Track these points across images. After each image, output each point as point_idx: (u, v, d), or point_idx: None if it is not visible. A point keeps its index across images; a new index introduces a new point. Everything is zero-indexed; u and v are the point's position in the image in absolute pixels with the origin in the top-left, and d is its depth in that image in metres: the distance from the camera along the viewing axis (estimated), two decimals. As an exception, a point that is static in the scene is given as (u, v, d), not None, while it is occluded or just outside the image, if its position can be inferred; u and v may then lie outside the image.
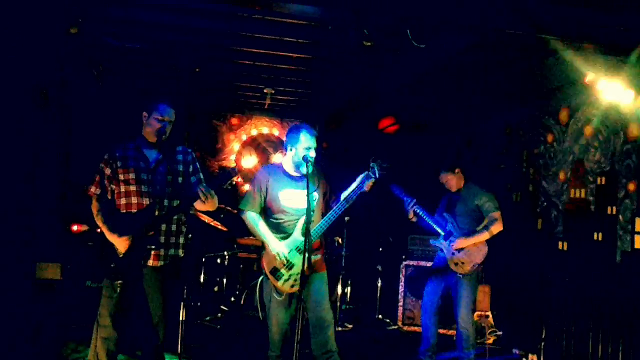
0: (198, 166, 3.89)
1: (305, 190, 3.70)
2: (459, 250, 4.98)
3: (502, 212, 5.09)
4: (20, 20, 4.71)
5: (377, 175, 3.87)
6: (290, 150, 3.92)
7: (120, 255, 3.55)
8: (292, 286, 3.78)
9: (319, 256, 3.84)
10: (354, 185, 3.89)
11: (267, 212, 3.95)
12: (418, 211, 4.98)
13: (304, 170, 3.81)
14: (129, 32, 5.27)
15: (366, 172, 3.88)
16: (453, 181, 5.20)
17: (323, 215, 3.91)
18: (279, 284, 3.80)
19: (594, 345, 5.02)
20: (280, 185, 3.89)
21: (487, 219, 5.03)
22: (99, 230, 3.72)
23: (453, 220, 5.08)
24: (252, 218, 3.91)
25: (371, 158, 3.94)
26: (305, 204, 3.68)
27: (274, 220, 3.91)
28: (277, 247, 3.79)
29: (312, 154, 3.84)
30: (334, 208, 3.85)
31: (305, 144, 3.85)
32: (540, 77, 5.47)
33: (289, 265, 3.77)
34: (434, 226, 5.10)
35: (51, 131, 6.29)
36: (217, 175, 3.65)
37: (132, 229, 3.58)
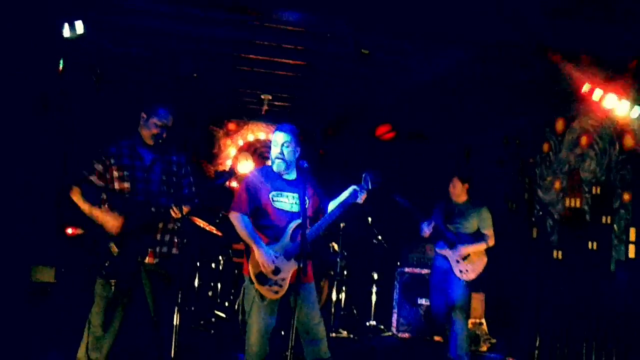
0: (190, 170, 3.91)
1: (295, 193, 3.69)
2: (464, 258, 5.15)
3: (498, 221, 5.27)
4: (20, 26, 4.72)
5: (369, 187, 3.79)
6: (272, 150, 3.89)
7: (115, 254, 3.55)
8: (276, 292, 3.71)
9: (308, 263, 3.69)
10: (341, 198, 3.81)
11: (256, 215, 3.83)
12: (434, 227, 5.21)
13: (291, 172, 3.80)
14: (128, 38, 5.29)
15: (355, 186, 3.77)
16: (458, 190, 5.34)
17: (311, 221, 3.82)
18: (264, 289, 3.73)
19: (588, 354, 5.03)
20: (271, 187, 3.80)
21: (483, 233, 5.23)
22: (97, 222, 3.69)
23: (456, 230, 5.23)
24: (240, 220, 3.77)
25: (366, 170, 3.85)
26: (296, 207, 3.67)
27: (267, 224, 3.81)
28: (265, 251, 3.68)
29: (279, 149, 3.77)
30: (319, 221, 3.78)
31: (274, 140, 3.81)
32: (537, 88, 5.51)
33: (275, 271, 3.70)
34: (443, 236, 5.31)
35: (49, 136, 6.29)
36: (215, 176, 3.65)
37: (128, 213, 3.57)
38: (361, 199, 3.77)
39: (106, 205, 3.67)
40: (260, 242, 3.74)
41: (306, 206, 3.78)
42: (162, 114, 3.77)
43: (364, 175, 3.82)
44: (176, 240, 3.80)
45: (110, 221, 3.57)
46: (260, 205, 3.81)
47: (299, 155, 3.84)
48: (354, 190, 3.77)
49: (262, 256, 3.69)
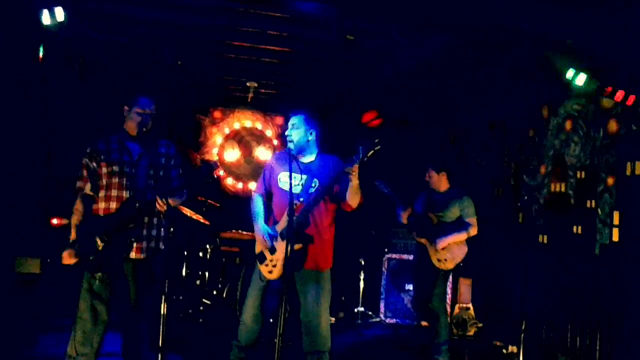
0: (180, 161, 3.90)
1: (305, 175, 3.75)
2: (443, 247, 5.13)
3: (484, 206, 5.26)
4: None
5: (362, 157, 3.57)
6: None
7: (100, 248, 3.54)
8: (270, 272, 3.75)
9: (299, 245, 3.67)
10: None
11: (269, 196, 3.98)
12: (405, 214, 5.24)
13: (308, 155, 3.85)
14: (110, 25, 5.22)
15: (349, 159, 3.60)
16: (435, 180, 5.36)
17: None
18: (262, 267, 3.81)
19: (573, 337, 5.10)
20: (282, 168, 3.87)
21: (466, 222, 5.22)
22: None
23: (438, 219, 5.26)
24: (254, 200, 3.96)
25: (359, 142, 3.66)
26: (302, 188, 3.71)
27: (273, 205, 3.92)
28: (263, 229, 3.80)
29: (288, 131, 3.86)
30: (312, 196, 3.77)
31: (289, 124, 3.91)
32: (521, 73, 5.52)
33: (271, 250, 3.74)
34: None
35: (32, 125, 6.22)
36: (198, 170, 3.65)
37: (107, 217, 3.57)
38: (353, 172, 3.58)
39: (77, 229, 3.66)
40: (257, 220, 3.88)
41: (312, 189, 3.78)
42: (144, 102, 3.75)
43: (359, 147, 3.64)
44: (163, 234, 3.81)
45: (66, 254, 3.59)
46: (271, 186, 3.94)
47: (316, 138, 3.91)
48: (346, 163, 3.62)
49: (256, 233, 3.84)
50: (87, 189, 3.69)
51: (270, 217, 3.91)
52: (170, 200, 3.62)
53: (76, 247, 3.60)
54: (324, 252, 3.85)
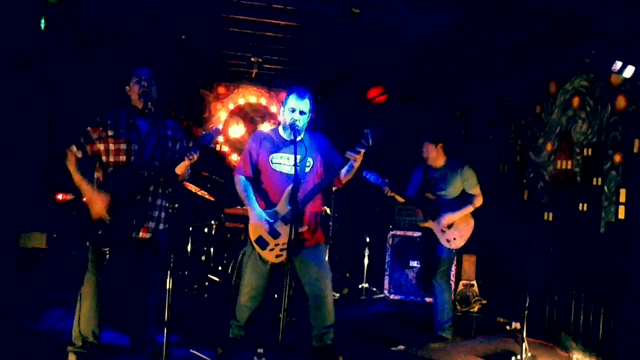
0: (186, 144, 3.89)
1: (299, 155, 3.62)
2: (449, 226, 5.07)
3: (489, 183, 5.18)
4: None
5: (369, 143, 3.56)
6: (281, 113, 3.85)
7: (107, 223, 3.54)
8: (278, 256, 3.70)
9: (305, 227, 3.70)
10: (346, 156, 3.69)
11: (258, 178, 3.84)
12: (394, 194, 5.04)
13: (290, 134, 3.70)
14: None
15: (357, 145, 3.59)
16: (433, 154, 5.18)
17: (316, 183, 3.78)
18: (265, 253, 3.74)
19: (576, 314, 5.11)
20: (272, 149, 3.78)
21: (469, 195, 5.13)
22: (84, 199, 3.69)
23: (436, 199, 5.15)
24: (241, 183, 3.82)
25: (367, 125, 3.61)
26: (299, 168, 3.61)
27: (264, 187, 3.80)
28: (261, 215, 3.70)
29: (297, 116, 3.69)
30: (321, 179, 3.76)
31: (289, 106, 3.72)
32: (528, 49, 5.44)
33: (274, 234, 3.70)
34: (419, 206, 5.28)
35: (34, 99, 6.19)
36: (201, 137, 3.62)
37: (115, 190, 3.56)
38: (358, 158, 3.61)
39: (97, 181, 3.66)
40: (253, 205, 3.74)
41: (309, 167, 3.75)
42: (140, 71, 3.78)
43: (365, 131, 3.59)
44: (164, 215, 3.82)
45: (97, 201, 3.54)
46: (260, 168, 3.80)
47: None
48: (353, 150, 3.62)
49: (254, 218, 3.71)
50: (79, 155, 3.66)
51: (259, 200, 3.79)
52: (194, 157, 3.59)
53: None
54: (319, 227, 3.88)
